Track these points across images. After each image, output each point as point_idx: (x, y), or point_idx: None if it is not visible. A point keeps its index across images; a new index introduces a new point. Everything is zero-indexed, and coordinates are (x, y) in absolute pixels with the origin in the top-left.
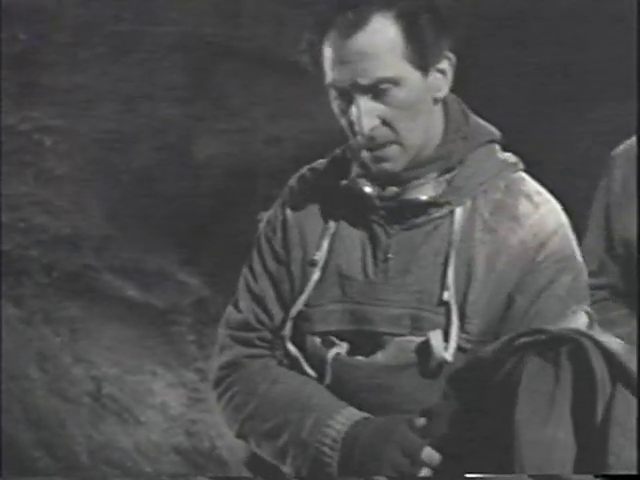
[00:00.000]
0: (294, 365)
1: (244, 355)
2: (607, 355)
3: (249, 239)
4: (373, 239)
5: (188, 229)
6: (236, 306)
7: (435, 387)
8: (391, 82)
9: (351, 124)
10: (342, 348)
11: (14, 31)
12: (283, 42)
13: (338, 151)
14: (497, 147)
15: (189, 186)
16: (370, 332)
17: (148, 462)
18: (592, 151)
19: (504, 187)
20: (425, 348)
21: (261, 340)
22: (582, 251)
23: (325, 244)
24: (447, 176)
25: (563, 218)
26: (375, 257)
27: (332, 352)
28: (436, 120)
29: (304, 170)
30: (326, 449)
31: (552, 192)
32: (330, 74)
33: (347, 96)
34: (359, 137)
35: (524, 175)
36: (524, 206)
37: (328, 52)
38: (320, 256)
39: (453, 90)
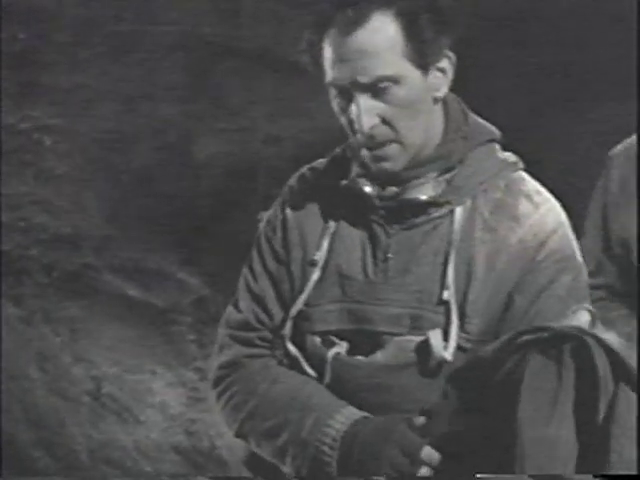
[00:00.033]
0: (294, 365)
1: (244, 355)
2: (610, 353)
3: (249, 239)
4: (373, 239)
5: (188, 229)
6: (236, 306)
7: (435, 386)
8: (391, 80)
9: (351, 122)
10: (342, 347)
11: (14, 31)
12: (283, 42)
13: (338, 150)
14: (497, 146)
15: (189, 186)
16: (370, 331)
17: (148, 461)
18: (592, 151)
19: (504, 186)
20: (425, 347)
21: (261, 340)
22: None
23: (325, 244)
24: (447, 175)
25: (563, 218)
26: (375, 257)
27: (332, 351)
28: (436, 119)
29: (304, 169)
30: (326, 448)
31: (552, 192)
32: (330, 72)
33: (347, 94)
34: (359, 135)
35: (524, 174)
36: (524, 206)
37: (328, 50)
38: (320, 256)
39: (453, 90)
